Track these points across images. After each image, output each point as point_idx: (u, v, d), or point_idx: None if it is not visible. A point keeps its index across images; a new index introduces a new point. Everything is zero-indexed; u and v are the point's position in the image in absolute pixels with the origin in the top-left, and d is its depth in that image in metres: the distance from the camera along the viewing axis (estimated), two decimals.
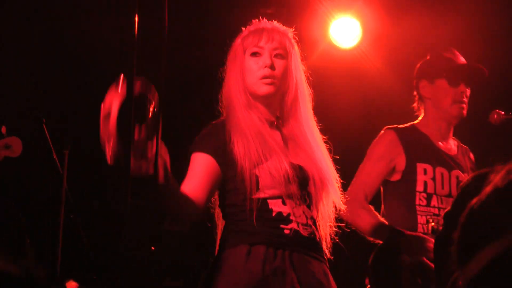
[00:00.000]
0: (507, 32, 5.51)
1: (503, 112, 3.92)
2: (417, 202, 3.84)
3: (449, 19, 5.53)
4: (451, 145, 4.05)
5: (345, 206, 3.71)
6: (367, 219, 3.79)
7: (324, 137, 3.15)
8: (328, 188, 3.00)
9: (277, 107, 3.08)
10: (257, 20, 3.13)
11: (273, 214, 2.85)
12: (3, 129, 4.32)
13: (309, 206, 2.93)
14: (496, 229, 1.27)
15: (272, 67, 3.00)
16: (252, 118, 2.96)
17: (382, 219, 3.79)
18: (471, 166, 4.09)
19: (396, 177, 3.90)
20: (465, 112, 3.97)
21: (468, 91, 3.98)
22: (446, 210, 1.98)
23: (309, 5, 5.64)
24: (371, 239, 3.84)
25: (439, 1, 5.66)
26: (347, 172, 3.87)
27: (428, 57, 4.13)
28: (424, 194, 3.85)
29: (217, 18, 5.18)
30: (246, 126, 2.91)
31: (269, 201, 2.85)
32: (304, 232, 2.88)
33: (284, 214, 2.86)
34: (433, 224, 3.70)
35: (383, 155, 3.87)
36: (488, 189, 1.32)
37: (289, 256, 2.83)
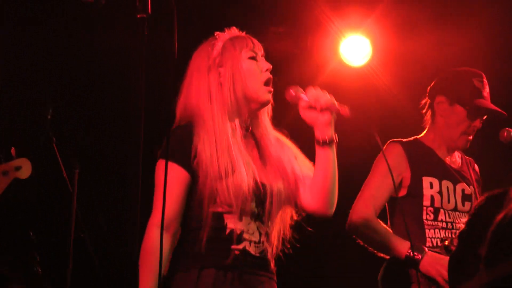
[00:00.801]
0: None
1: None
2: (424, 216, 3.78)
3: (458, 36, 5.53)
4: (456, 157, 4.01)
5: (355, 222, 3.73)
6: (384, 234, 3.72)
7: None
8: (286, 203, 2.99)
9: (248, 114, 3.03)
10: (223, 30, 3.09)
11: (226, 232, 2.83)
12: (13, 151, 4.33)
13: (264, 222, 2.90)
14: None
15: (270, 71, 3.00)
16: (225, 128, 2.89)
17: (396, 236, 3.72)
18: (476, 178, 4.05)
19: (402, 192, 3.83)
20: (469, 144, 3.94)
21: (479, 125, 3.93)
22: (460, 229, 1.97)
23: (320, 23, 5.65)
24: (382, 254, 3.81)
25: (448, 19, 5.66)
26: (356, 189, 3.87)
27: (456, 75, 3.98)
28: (431, 209, 3.80)
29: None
30: (215, 136, 2.86)
31: (225, 215, 2.83)
32: (255, 251, 2.87)
33: (238, 232, 2.83)
34: (446, 242, 3.68)
35: (391, 169, 3.74)
36: None
37: (238, 278, 2.83)
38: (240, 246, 2.84)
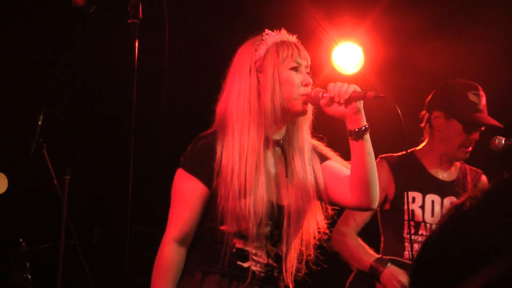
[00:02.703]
0: (508, 58, 5.52)
1: (504, 138, 3.90)
2: (405, 231, 3.86)
3: (450, 44, 5.54)
4: (451, 171, 4.02)
5: (333, 238, 3.78)
6: (355, 247, 3.86)
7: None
8: (305, 221, 2.93)
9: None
10: (268, 30, 2.94)
11: (234, 250, 2.80)
12: None
13: (276, 244, 2.85)
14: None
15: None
16: (252, 140, 2.80)
17: (368, 249, 3.85)
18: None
19: (387, 206, 3.93)
20: (468, 155, 3.95)
21: (477, 137, 3.94)
22: None
23: (312, 31, 5.66)
24: (357, 266, 3.89)
25: (440, 27, 5.67)
26: None
27: (451, 89, 3.99)
28: (412, 223, 3.86)
29: (219, 44, 5.20)
30: (239, 150, 2.78)
31: (235, 237, 2.79)
32: (259, 271, 2.83)
33: (245, 253, 2.81)
34: None
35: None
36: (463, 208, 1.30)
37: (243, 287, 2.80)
38: (245, 264, 2.81)
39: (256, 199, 2.75)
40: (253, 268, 2.81)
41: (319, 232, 3.00)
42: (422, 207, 3.87)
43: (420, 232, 3.87)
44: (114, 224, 5.53)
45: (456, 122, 3.89)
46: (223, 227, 2.79)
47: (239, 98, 2.84)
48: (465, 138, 3.89)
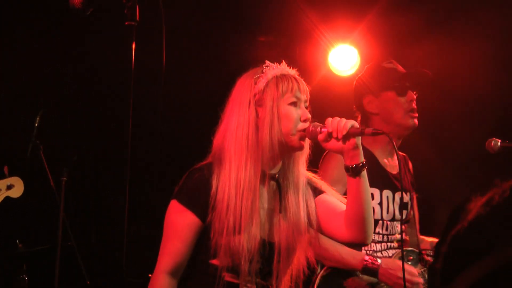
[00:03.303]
0: (503, 60, 5.54)
1: (499, 140, 3.90)
2: None
3: (445, 46, 5.56)
4: (395, 161, 3.94)
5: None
6: (336, 253, 3.69)
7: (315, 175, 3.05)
8: (295, 257, 2.93)
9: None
10: (269, 62, 2.94)
11: (222, 283, 2.80)
12: (6, 169, 4.31)
13: (265, 278, 2.87)
14: (479, 255, 1.27)
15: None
16: (248, 175, 2.80)
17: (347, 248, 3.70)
18: (411, 180, 4.06)
19: None
20: (417, 121, 3.90)
21: (414, 97, 3.90)
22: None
23: (309, 33, 5.67)
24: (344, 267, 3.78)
25: (435, 29, 5.69)
26: None
27: (367, 71, 4.00)
28: None
29: (216, 46, 5.21)
30: (236, 185, 2.79)
31: (225, 271, 2.79)
32: None
33: (237, 286, 2.81)
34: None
35: (337, 178, 3.57)
36: (469, 217, 1.32)
37: None
38: None
39: (250, 236, 2.76)
40: None
41: (308, 268, 2.99)
42: (380, 204, 3.83)
43: (377, 230, 3.81)
44: (111, 226, 5.53)
45: (386, 93, 3.87)
46: (214, 261, 2.80)
47: (237, 131, 2.84)
48: (403, 102, 3.85)
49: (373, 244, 3.78)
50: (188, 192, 2.82)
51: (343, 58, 5.75)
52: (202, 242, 2.82)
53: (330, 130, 2.75)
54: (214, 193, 2.79)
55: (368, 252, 3.75)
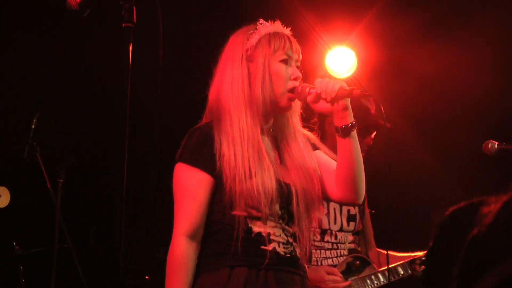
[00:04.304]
0: (501, 62, 5.55)
1: (497, 143, 3.91)
2: (317, 238, 3.91)
3: (442, 48, 5.57)
4: None
5: None
6: None
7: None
8: (311, 205, 2.88)
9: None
10: (263, 20, 2.92)
11: (253, 235, 2.74)
12: None
13: (289, 224, 2.82)
14: (500, 258, 1.27)
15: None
16: (249, 125, 2.79)
17: None
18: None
19: None
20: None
21: (371, 142, 4.00)
22: (428, 248, 1.97)
23: (306, 35, 5.67)
24: None
25: (432, 31, 5.70)
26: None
27: None
28: (319, 230, 3.90)
29: (213, 47, 5.20)
30: (239, 135, 2.77)
31: (249, 220, 2.74)
32: (284, 252, 2.78)
33: (264, 234, 2.74)
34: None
35: None
36: (487, 220, 1.32)
37: (272, 276, 2.73)
38: (270, 247, 2.75)
39: (264, 178, 2.72)
40: (277, 249, 2.77)
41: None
42: (328, 215, 3.93)
43: (326, 239, 3.94)
44: (108, 227, 5.53)
45: None
46: (235, 212, 2.73)
47: (233, 85, 2.82)
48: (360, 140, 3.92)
49: (323, 251, 3.91)
50: (191, 150, 2.78)
51: (340, 60, 5.75)
52: (217, 198, 2.76)
53: (319, 91, 2.72)
54: (219, 146, 2.75)
55: (318, 259, 3.88)
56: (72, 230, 4.80)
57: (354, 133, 2.77)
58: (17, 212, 5.44)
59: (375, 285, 4.04)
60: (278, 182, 2.78)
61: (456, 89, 4.76)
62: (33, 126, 4.73)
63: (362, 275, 4.04)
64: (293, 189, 2.82)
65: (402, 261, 4.08)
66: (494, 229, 1.29)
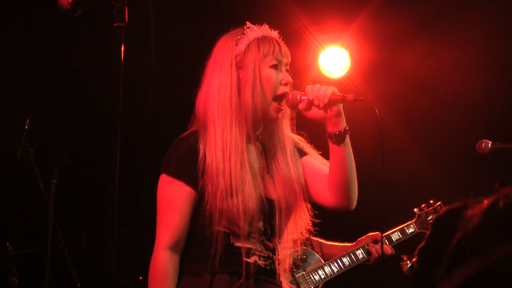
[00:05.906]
0: (493, 63, 5.56)
1: (490, 142, 3.91)
2: None
3: (435, 48, 5.58)
4: None
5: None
6: None
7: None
8: (294, 217, 2.89)
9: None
10: (250, 23, 2.88)
11: (234, 248, 2.75)
12: None
13: (270, 239, 2.82)
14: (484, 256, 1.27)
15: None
16: (234, 135, 2.75)
17: None
18: None
19: None
20: None
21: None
22: (420, 245, 1.97)
23: (299, 35, 5.67)
24: None
25: (426, 31, 5.71)
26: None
27: None
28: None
29: (205, 47, 5.19)
30: (222, 147, 2.73)
31: (230, 235, 2.74)
32: (264, 264, 2.80)
33: (244, 250, 2.76)
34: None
35: None
36: (472, 224, 1.31)
37: (252, 283, 2.75)
38: (251, 260, 2.77)
39: (244, 196, 2.70)
40: (258, 262, 2.78)
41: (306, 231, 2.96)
42: None
43: None
44: (100, 228, 5.52)
45: None
46: (216, 228, 2.73)
47: (220, 93, 2.78)
48: None
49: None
50: (176, 163, 2.77)
51: (334, 60, 5.76)
52: (200, 210, 2.75)
53: (311, 98, 2.69)
54: (203, 158, 2.73)
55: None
56: (65, 231, 4.79)
57: (348, 138, 2.75)
58: (10, 213, 5.42)
59: (324, 278, 4.02)
60: (260, 198, 2.76)
61: (449, 89, 4.76)
62: (26, 127, 4.71)
63: (309, 269, 4.03)
64: (276, 204, 2.81)
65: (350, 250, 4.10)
66: (482, 231, 1.29)
